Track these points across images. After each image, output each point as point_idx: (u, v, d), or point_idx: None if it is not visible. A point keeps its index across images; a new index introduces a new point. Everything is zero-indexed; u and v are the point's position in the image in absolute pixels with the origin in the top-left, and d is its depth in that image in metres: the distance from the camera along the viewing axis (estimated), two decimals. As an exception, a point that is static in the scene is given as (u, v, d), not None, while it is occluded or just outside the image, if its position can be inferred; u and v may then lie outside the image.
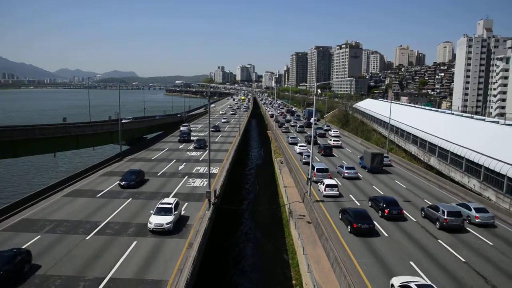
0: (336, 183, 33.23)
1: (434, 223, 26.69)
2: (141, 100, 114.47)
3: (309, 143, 59.66)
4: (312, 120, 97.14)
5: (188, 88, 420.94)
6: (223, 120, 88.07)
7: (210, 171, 30.64)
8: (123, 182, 32.90)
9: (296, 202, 32.95)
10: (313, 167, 36.55)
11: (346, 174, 40.02)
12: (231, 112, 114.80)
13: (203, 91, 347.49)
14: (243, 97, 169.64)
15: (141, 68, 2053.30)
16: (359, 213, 25.59)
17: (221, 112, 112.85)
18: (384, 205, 28.19)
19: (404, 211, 28.54)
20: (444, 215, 25.71)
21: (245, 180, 55.45)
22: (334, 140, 62.48)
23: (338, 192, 32.48)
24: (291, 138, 63.18)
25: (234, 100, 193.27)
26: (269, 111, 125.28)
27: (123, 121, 68.43)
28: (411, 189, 35.82)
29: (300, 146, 53.49)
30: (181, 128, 71.49)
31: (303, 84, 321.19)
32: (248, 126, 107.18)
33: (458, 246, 23.29)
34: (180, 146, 55.53)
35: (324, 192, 32.53)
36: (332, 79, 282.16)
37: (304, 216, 29.51)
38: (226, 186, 38.57)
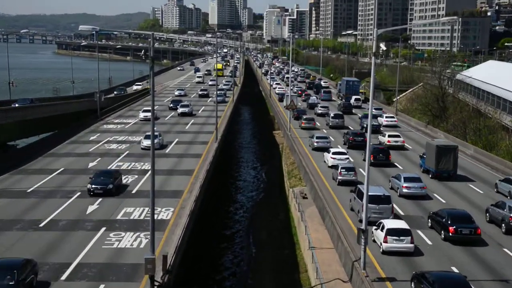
0: (408, 228, 34.57)
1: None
2: (3, 65, 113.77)
3: (351, 146, 64.32)
4: (353, 100, 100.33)
5: (105, 42, 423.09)
6: (144, 144, 63.92)
7: (155, 217, 30.12)
8: None
9: (336, 280, 33.11)
10: (360, 194, 38.63)
11: (405, 190, 45.34)
12: (182, 110, 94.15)
13: (140, 48, 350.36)
14: (219, 65, 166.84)
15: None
16: (447, 281, 27.55)
17: (142, 117, 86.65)
18: (449, 221, 35.42)
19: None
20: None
21: (230, 233, 55.80)
22: (390, 136, 66.85)
23: (412, 245, 33.95)
24: (317, 138, 66.19)
25: (197, 72, 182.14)
26: (275, 88, 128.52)
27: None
28: None
29: (333, 154, 57.51)
30: None
31: (349, 32, 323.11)
32: (235, 123, 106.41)
33: None
34: (91, 164, 56.26)
35: (385, 245, 33.76)
36: (411, 21, 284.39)
37: (355, 311, 29.71)
38: (190, 247, 38.68)
